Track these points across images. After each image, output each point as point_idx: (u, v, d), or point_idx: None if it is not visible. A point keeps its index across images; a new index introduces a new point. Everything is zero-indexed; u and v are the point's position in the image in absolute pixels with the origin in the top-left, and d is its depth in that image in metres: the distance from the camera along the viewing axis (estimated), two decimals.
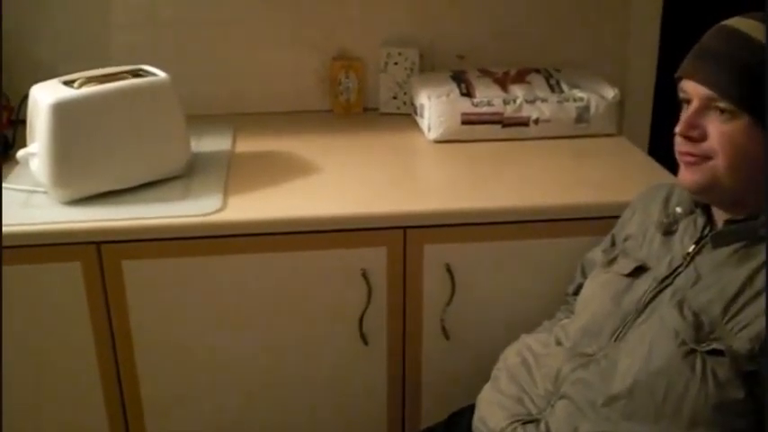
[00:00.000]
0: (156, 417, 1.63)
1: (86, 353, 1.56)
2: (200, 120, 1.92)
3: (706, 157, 1.12)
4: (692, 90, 1.13)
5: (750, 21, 1.11)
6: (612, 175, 1.70)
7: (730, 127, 1.09)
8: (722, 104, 1.09)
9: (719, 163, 1.11)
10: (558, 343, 1.31)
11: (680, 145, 1.15)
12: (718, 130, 1.10)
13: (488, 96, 1.88)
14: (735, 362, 1.05)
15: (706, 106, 1.11)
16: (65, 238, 1.47)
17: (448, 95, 1.88)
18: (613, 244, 1.41)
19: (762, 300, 1.07)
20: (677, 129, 1.14)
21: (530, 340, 1.40)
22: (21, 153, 1.59)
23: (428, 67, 2.10)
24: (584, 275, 1.47)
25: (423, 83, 1.97)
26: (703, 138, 1.12)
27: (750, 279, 1.09)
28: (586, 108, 1.88)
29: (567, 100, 1.89)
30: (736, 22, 1.12)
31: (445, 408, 1.51)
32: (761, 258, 1.10)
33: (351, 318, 1.59)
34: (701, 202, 1.21)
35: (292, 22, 2.05)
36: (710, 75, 1.10)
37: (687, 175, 1.16)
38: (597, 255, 1.44)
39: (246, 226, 1.51)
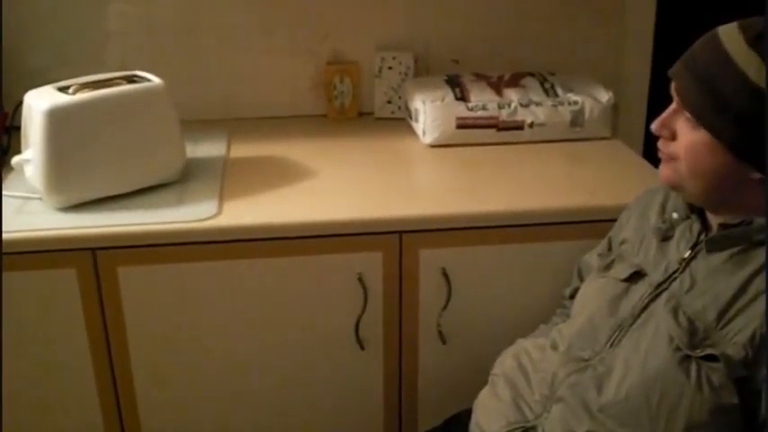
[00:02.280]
0: (152, 421, 1.63)
1: (82, 360, 1.55)
2: (195, 125, 1.92)
3: (673, 157, 1.16)
4: (674, 91, 1.16)
5: (741, 42, 1.07)
6: (607, 179, 1.71)
7: (693, 135, 1.12)
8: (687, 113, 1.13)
9: (682, 166, 1.14)
10: (554, 347, 1.31)
11: (659, 141, 1.20)
12: (684, 135, 1.14)
13: (483, 100, 1.88)
14: (729, 368, 1.05)
15: (680, 110, 1.14)
16: (60, 245, 1.47)
17: (443, 100, 1.88)
18: (610, 248, 1.41)
19: (756, 305, 1.07)
20: (652, 125, 1.18)
21: (526, 344, 1.40)
22: (15, 160, 1.58)
23: (423, 72, 2.10)
24: (581, 279, 1.47)
25: (417, 87, 1.97)
26: (674, 137, 1.16)
27: (744, 286, 1.09)
28: (581, 111, 1.88)
29: (562, 104, 1.89)
30: (728, 37, 1.09)
31: (442, 412, 1.51)
32: (755, 264, 1.10)
33: (347, 322, 1.59)
34: (696, 206, 1.21)
35: (286, 27, 2.05)
36: (683, 83, 1.13)
37: (661, 170, 1.20)
38: (594, 258, 1.45)
39: (242, 231, 1.51)
